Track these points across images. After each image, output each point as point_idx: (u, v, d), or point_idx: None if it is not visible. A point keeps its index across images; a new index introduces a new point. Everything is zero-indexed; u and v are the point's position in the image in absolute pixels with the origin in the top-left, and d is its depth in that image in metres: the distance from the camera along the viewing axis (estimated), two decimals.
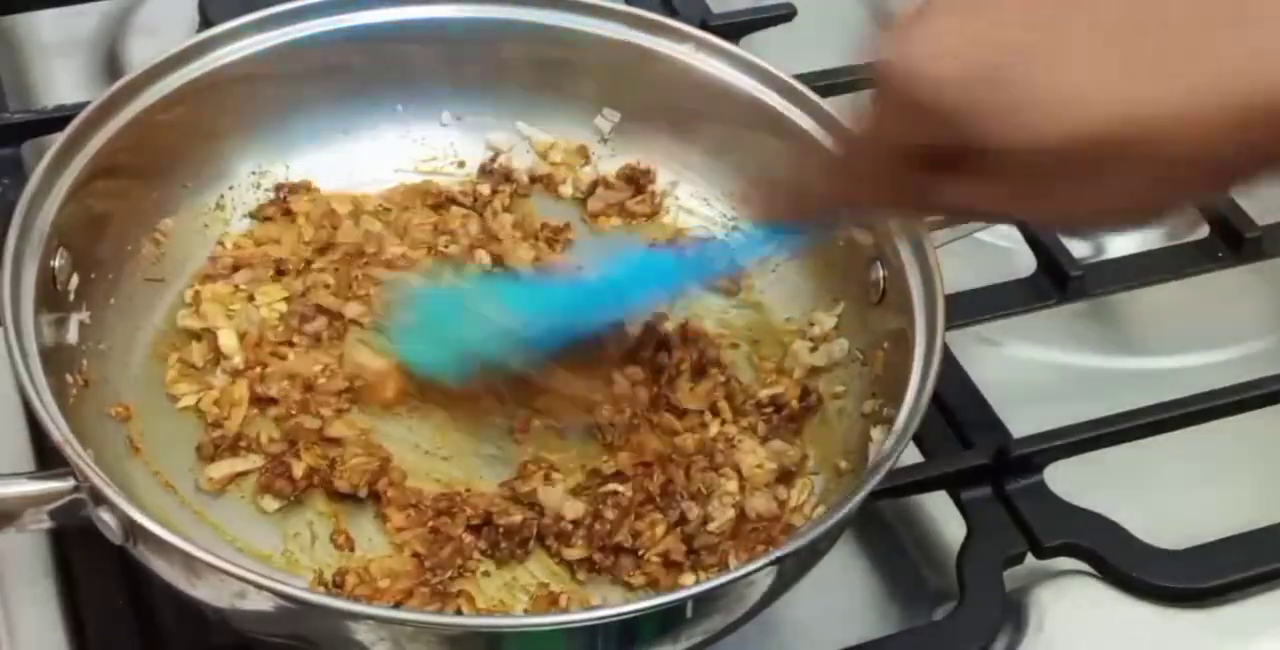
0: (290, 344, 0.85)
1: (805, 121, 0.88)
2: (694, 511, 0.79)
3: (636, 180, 0.94)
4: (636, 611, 0.69)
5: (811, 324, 0.88)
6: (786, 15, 1.10)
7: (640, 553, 0.78)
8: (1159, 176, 0.59)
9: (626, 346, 0.85)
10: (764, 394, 0.85)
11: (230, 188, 0.91)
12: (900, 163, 0.65)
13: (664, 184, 0.95)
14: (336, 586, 0.76)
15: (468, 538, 0.78)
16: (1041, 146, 0.59)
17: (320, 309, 0.86)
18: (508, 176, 0.94)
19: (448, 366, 0.82)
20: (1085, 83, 0.58)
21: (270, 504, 0.80)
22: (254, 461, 0.81)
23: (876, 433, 0.80)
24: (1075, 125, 0.58)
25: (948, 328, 0.78)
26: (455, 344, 0.82)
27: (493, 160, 0.95)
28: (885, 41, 0.63)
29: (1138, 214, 0.64)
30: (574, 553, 0.78)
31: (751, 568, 0.68)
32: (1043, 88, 0.58)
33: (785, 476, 0.82)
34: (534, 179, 0.95)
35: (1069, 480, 0.86)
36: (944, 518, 0.87)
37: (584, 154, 0.95)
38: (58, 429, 0.69)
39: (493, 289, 0.86)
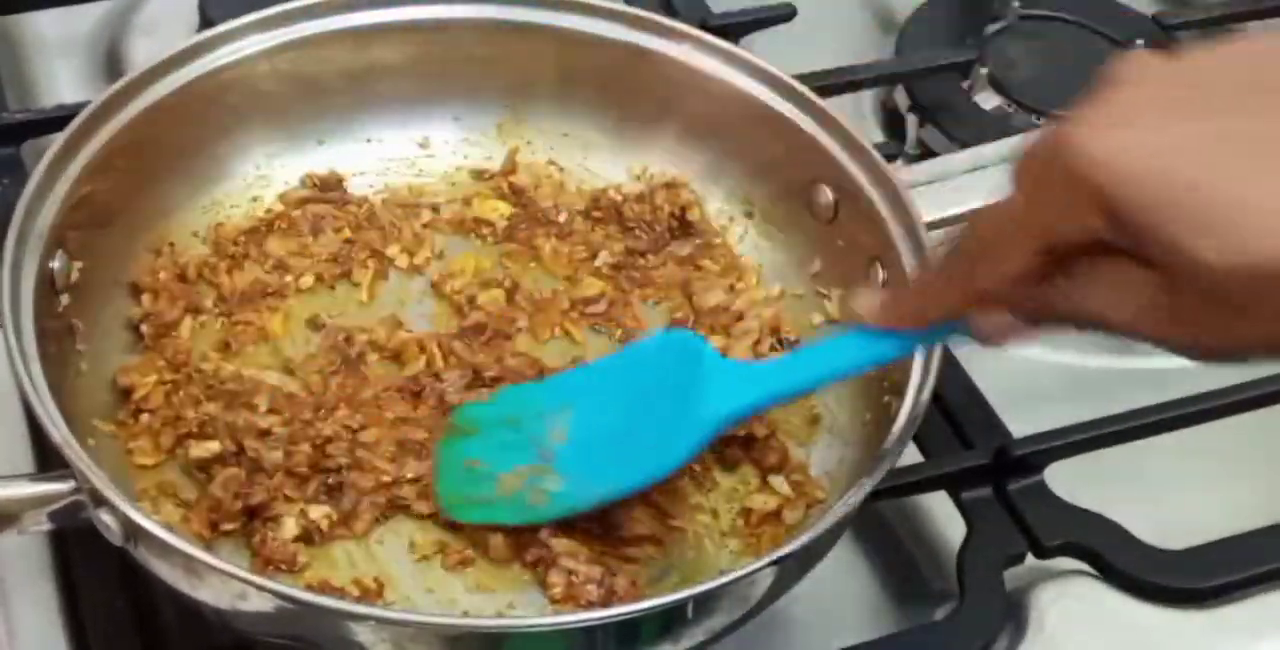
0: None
1: (805, 122, 0.88)
2: None
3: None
4: (637, 612, 0.69)
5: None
6: (786, 15, 1.10)
7: None
8: None
9: None
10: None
11: (231, 188, 0.91)
12: (1037, 253, 0.60)
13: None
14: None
15: None
16: (1224, 270, 0.54)
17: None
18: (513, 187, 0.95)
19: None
20: None
21: None
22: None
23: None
24: (1267, 252, 0.53)
25: None
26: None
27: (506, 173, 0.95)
28: (1072, 117, 0.57)
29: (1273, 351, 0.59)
30: None
31: (752, 568, 0.68)
32: (1249, 211, 0.54)
33: None
34: (517, 189, 0.95)
35: (1069, 480, 0.86)
36: (944, 518, 0.87)
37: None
38: (57, 430, 0.69)
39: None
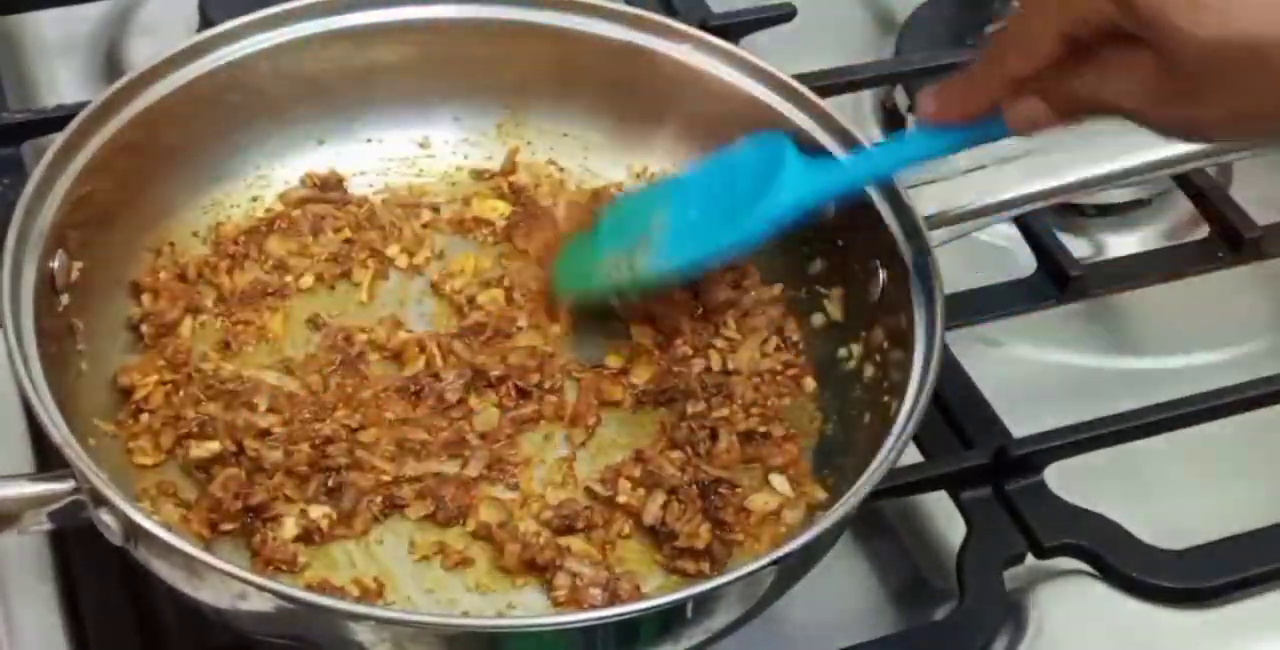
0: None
1: (805, 121, 0.88)
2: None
3: None
4: (637, 611, 0.69)
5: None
6: (786, 15, 1.10)
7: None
8: None
9: None
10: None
11: (231, 188, 0.91)
12: (1060, 41, 0.69)
13: None
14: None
15: None
16: (1206, 43, 0.63)
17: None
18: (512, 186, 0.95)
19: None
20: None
21: None
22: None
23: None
24: (1244, 26, 0.62)
25: (948, 328, 0.78)
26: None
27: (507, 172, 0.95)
28: None
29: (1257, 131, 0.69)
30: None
31: (752, 568, 0.68)
32: None
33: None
34: (517, 189, 0.95)
35: (1069, 480, 0.86)
36: (944, 518, 0.87)
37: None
38: (58, 430, 0.69)
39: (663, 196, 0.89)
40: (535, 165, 0.95)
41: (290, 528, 0.78)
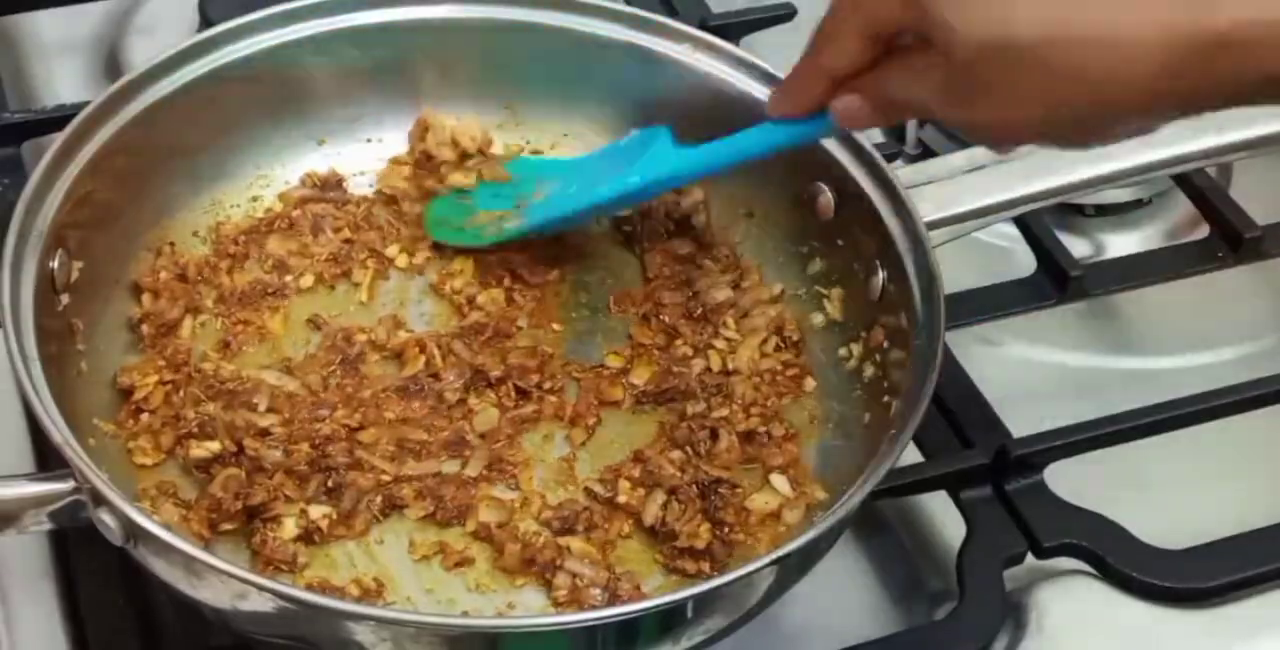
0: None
1: None
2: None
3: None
4: (637, 611, 0.69)
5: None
6: (786, 15, 1.10)
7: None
8: (1073, 96, 0.64)
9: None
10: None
11: (231, 188, 0.91)
12: (863, 41, 0.71)
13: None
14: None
15: None
16: (977, 43, 0.64)
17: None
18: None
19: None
20: None
21: None
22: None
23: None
24: (1010, 28, 0.63)
25: (948, 328, 0.78)
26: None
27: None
28: None
29: (1054, 130, 0.68)
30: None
31: (751, 568, 0.68)
32: None
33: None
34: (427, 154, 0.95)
35: (1069, 480, 0.86)
36: (944, 518, 0.87)
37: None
38: (58, 430, 0.69)
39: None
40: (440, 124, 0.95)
41: (290, 528, 0.78)
